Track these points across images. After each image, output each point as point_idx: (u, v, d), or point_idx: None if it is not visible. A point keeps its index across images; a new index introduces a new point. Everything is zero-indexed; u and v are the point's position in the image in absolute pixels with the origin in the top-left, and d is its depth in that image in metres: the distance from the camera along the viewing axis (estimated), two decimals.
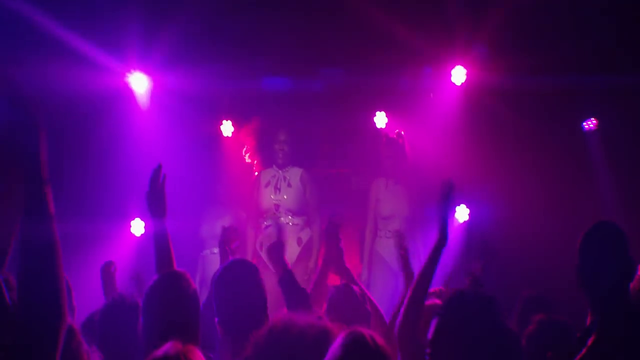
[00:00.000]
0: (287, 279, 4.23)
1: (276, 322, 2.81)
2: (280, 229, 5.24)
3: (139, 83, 8.04)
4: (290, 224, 7.44)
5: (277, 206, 7.48)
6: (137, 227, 7.98)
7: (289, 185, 7.53)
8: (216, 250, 7.68)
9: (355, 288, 4.45)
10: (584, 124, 8.13)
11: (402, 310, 3.41)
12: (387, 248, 7.50)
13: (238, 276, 3.72)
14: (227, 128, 8.29)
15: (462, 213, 7.81)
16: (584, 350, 2.95)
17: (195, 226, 7.84)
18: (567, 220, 7.01)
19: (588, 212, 7.06)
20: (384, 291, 7.19)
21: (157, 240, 4.07)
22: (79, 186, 7.59)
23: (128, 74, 7.93)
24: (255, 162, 7.93)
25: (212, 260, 7.69)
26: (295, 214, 7.47)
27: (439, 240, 3.46)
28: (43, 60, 6.87)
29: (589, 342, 2.96)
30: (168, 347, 2.51)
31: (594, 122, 8.11)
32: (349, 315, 4.11)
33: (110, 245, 7.81)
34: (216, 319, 3.64)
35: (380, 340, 2.53)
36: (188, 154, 8.12)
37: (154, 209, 4.18)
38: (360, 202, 7.97)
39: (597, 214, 6.78)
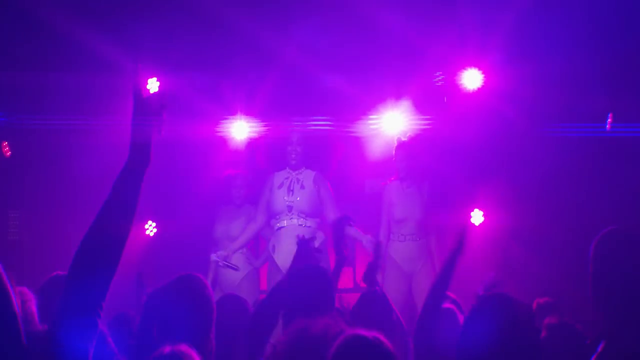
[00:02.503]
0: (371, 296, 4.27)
1: (294, 326, 2.83)
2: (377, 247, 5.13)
3: (153, 85, 8.10)
4: (303, 226, 7.42)
5: (290, 207, 7.48)
6: (151, 227, 8.08)
7: (302, 187, 7.52)
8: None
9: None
10: (604, 126, 8.00)
11: (419, 316, 3.41)
12: (400, 252, 7.49)
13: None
14: (240, 129, 8.31)
15: (477, 217, 7.85)
16: (593, 357, 2.93)
17: (208, 227, 7.87)
18: (582, 226, 7.00)
19: (605, 217, 7.04)
20: (398, 296, 7.17)
21: None
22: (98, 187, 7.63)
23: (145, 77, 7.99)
24: (269, 164, 7.91)
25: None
26: (308, 215, 7.46)
27: (456, 249, 3.46)
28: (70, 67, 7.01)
29: (599, 348, 2.93)
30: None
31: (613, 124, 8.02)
32: (376, 321, 4.09)
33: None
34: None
35: (383, 339, 2.56)
36: (201, 155, 8.16)
37: None
38: (373, 205, 7.98)
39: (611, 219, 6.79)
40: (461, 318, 4.19)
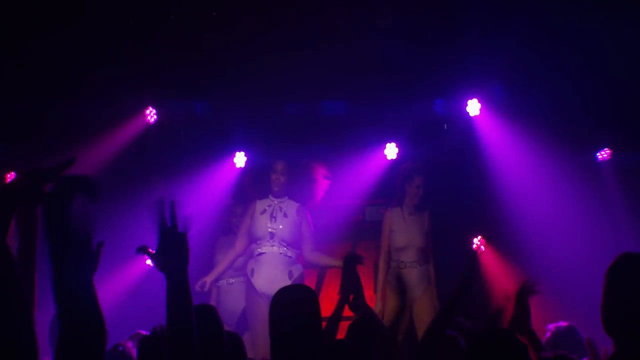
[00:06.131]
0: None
1: None
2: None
3: (151, 116, 8.18)
4: (284, 255, 7.42)
5: (272, 234, 7.47)
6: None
7: (285, 215, 7.53)
8: (232, 280, 7.71)
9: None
10: (598, 154, 8.17)
11: (421, 341, 3.42)
12: (400, 279, 7.47)
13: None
14: (240, 159, 8.36)
15: (478, 244, 7.92)
16: None
17: (209, 257, 7.85)
18: (583, 251, 7.05)
19: (604, 243, 7.10)
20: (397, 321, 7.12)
21: None
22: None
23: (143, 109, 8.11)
24: (252, 190, 7.95)
25: (228, 290, 7.70)
26: (289, 244, 7.46)
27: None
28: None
29: None
30: None
31: (608, 152, 8.15)
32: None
33: (124, 275, 7.87)
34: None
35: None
36: (203, 184, 8.17)
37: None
38: (373, 233, 7.99)
39: (613, 246, 6.84)
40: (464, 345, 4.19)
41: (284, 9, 7.54)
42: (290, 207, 7.58)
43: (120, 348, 4.43)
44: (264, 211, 7.57)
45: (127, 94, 7.84)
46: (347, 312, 4.88)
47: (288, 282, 7.13)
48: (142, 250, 2.64)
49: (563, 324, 5.08)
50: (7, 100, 7.48)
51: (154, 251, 2.59)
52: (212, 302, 7.49)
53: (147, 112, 8.18)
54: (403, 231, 7.52)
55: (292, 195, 7.66)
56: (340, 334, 4.55)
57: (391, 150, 8.26)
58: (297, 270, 7.42)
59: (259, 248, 7.46)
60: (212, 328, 3.27)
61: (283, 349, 3.37)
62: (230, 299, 7.66)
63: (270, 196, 7.65)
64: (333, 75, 7.85)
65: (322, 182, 8.21)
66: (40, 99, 7.55)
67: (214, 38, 7.52)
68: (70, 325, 2.11)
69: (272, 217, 7.52)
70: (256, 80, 7.81)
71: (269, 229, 7.47)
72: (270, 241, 7.44)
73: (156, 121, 8.22)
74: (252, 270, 7.40)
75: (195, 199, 7.98)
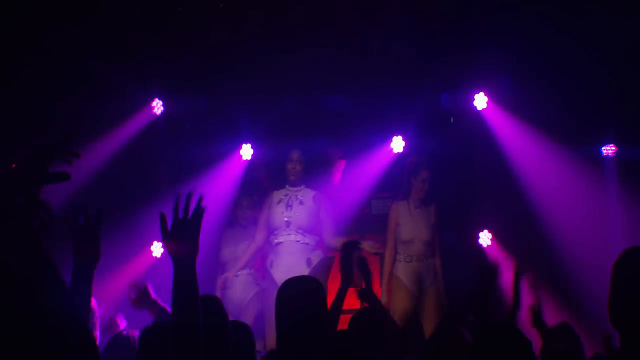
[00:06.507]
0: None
1: None
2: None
3: (159, 109, 8.22)
4: (301, 242, 7.41)
5: (288, 223, 7.46)
6: (157, 249, 8.07)
7: (301, 203, 7.51)
8: (238, 273, 7.72)
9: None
10: (603, 149, 8.17)
11: (429, 338, 3.43)
12: (407, 272, 7.48)
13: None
14: (246, 151, 8.36)
15: (484, 238, 7.92)
16: None
17: (214, 249, 7.87)
18: (589, 246, 7.04)
19: (611, 237, 7.09)
20: (404, 316, 7.13)
21: None
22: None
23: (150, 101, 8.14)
24: (269, 182, 7.96)
25: (234, 281, 7.71)
26: (306, 231, 7.44)
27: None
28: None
29: None
30: None
31: (613, 148, 8.15)
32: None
33: (130, 267, 7.89)
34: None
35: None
36: (209, 176, 8.19)
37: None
38: (379, 225, 7.99)
39: (620, 240, 6.84)
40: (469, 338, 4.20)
41: (291, 3, 7.53)
42: (307, 194, 7.57)
43: (125, 332, 4.42)
44: (280, 201, 7.58)
45: (134, 86, 7.87)
46: (348, 305, 4.90)
47: (307, 270, 7.17)
48: (161, 219, 2.65)
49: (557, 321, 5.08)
50: (18, 95, 7.50)
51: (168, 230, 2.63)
52: (217, 294, 7.51)
53: (154, 103, 8.22)
54: (409, 224, 7.52)
55: (310, 184, 7.65)
56: (342, 327, 4.56)
57: (397, 144, 8.27)
58: (316, 257, 7.39)
59: (276, 238, 7.47)
60: (215, 319, 3.27)
61: (289, 340, 3.38)
62: (236, 290, 7.66)
63: (287, 186, 7.65)
64: (339, 68, 7.86)
65: (338, 167, 8.19)
66: (49, 93, 7.56)
67: (221, 31, 7.52)
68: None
69: (288, 206, 7.51)
70: (264, 74, 7.81)
71: (285, 218, 7.47)
72: (287, 230, 7.44)
73: (163, 112, 8.26)
74: (272, 262, 7.42)
75: (201, 191, 7.98)
